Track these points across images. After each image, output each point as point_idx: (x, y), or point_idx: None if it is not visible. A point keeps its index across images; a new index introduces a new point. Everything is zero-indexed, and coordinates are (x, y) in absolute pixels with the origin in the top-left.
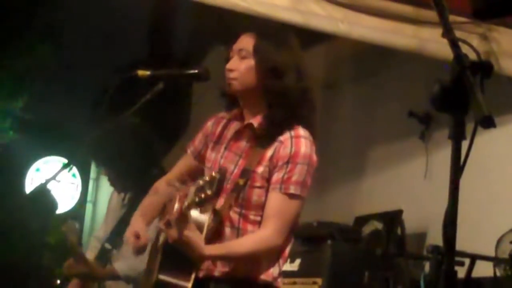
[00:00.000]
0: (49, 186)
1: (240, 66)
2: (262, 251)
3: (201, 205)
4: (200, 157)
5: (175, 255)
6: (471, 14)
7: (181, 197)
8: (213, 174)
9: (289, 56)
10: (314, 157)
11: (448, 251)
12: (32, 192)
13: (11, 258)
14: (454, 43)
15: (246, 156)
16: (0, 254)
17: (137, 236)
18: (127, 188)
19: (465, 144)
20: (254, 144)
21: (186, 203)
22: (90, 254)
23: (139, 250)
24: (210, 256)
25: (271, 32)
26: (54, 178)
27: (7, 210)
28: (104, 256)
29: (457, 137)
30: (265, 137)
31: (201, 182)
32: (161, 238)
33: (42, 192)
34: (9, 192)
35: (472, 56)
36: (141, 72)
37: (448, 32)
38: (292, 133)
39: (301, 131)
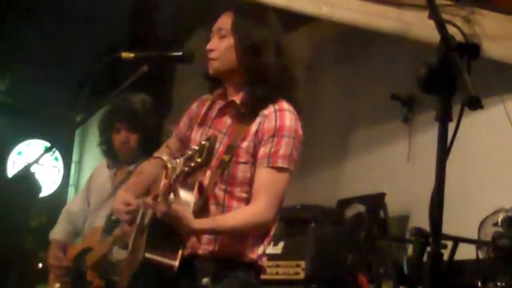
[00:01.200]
0: (32, 169)
1: (220, 46)
2: (253, 225)
3: (191, 174)
4: (185, 138)
5: (162, 233)
6: None
7: (168, 170)
8: (202, 142)
9: (268, 33)
10: (300, 131)
11: (434, 234)
12: (15, 175)
13: None
14: (440, 25)
15: (231, 133)
16: None
17: (127, 204)
18: (128, 160)
19: (450, 126)
20: (238, 120)
21: (174, 175)
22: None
23: (132, 216)
24: (200, 230)
25: (249, 10)
26: (37, 162)
27: None
28: (112, 227)
29: (443, 119)
30: (248, 113)
31: (189, 152)
32: (147, 216)
33: (25, 175)
34: None
35: (458, 38)
36: (124, 54)
37: (434, 14)
38: (276, 106)
39: (285, 105)
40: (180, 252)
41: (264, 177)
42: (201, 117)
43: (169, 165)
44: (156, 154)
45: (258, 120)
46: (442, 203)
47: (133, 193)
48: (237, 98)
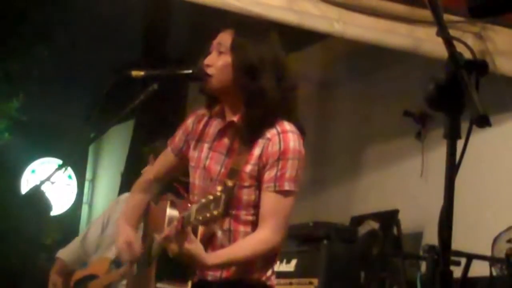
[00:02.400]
0: (43, 187)
1: (217, 62)
2: (264, 252)
3: (205, 224)
4: (181, 154)
5: (171, 263)
6: (466, 12)
7: (180, 212)
8: (218, 193)
9: (267, 53)
10: (303, 150)
11: (444, 251)
12: (26, 194)
13: (7, 260)
14: (449, 42)
15: (232, 155)
16: None
17: (130, 245)
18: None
19: (460, 143)
20: (239, 142)
21: (187, 220)
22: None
23: (134, 258)
24: (214, 265)
25: (250, 28)
26: (49, 180)
27: (3, 212)
28: (121, 263)
29: (452, 136)
30: (248, 134)
31: (204, 200)
32: (155, 247)
33: (36, 194)
34: (4, 194)
35: (467, 55)
36: (135, 73)
37: (442, 31)
38: (279, 128)
39: (287, 126)
40: (190, 281)
41: (271, 202)
42: (198, 133)
43: (175, 213)
44: (149, 172)
45: (261, 143)
46: (451, 220)
47: (133, 219)
48: (236, 119)
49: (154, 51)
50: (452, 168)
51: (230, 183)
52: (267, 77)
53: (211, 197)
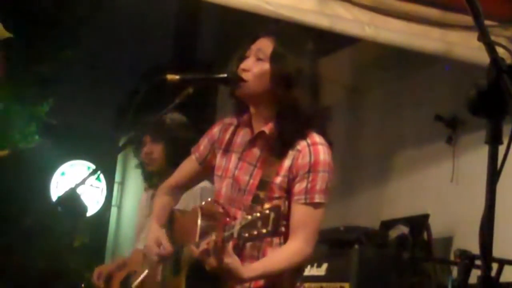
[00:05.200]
0: (78, 190)
1: (254, 68)
2: (298, 263)
3: (251, 241)
4: (205, 162)
5: (201, 277)
6: (498, 17)
7: (220, 226)
8: (266, 211)
9: (305, 66)
10: (332, 163)
11: (484, 257)
12: (61, 197)
13: (38, 261)
14: (490, 47)
15: (261, 166)
16: (29, 257)
17: (159, 244)
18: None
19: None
20: (268, 153)
21: (228, 235)
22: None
23: (162, 259)
24: (250, 279)
25: (291, 38)
26: (84, 183)
27: (34, 214)
28: None
29: (493, 142)
30: (279, 146)
31: (250, 217)
32: (185, 257)
33: (72, 197)
34: (35, 196)
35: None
36: (170, 77)
37: (484, 36)
38: (309, 141)
39: (317, 138)
40: None
41: (302, 213)
42: (225, 143)
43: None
44: (172, 178)
45: (291, 154)
46: (492, 227)
47: (163, 219)
48: (266, 129)
49: (184, 55)
50: (494, 173)
51: (261, 195)
52: (303, 90)
53: (258, 214)
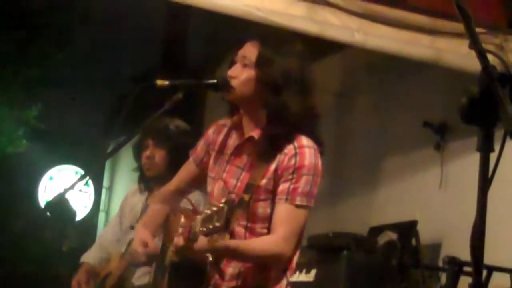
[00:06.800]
0: (67, 195)
1: (241, 75)
2: (270, 254)
3: (208, 235)
4: (202, 164)
5: (184, 275)
6: (487, 24)
7: (185, 226)
8: (221, 205)
9: (293, 69)
10: (319, 166)
11: (476, 265)
12: (50, 202)
13: (26, 267)
14: (482, 55)
15: (249, 169)
16: (17, 263)
17: (145, 245)
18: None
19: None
20: (256, 157)
21: (193, 230)
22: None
23: (150, 258)
24: (223, 248)
25: (276, 42)
26: (73, 188)
27: (22, 218)
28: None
29: (485, 150)
30: (267, 150)
31: (208, 211)
32: (167, 258)
33: (60, 202)
34: (22, 200)
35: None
36: (159, 82)
37: (475, 43)
38: (296, 144)
39: (304, 141)
40: None
41: (283, 212)
42: (218, 145)
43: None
44: (171, 183)
45: (278, 157)
46: (483, 234)
47: (151, 226)
48: (255, 134)
49: (172, 60)
50: (485, 181)
51: (246, 198)
52: (291, 93)
53: (214, 208)
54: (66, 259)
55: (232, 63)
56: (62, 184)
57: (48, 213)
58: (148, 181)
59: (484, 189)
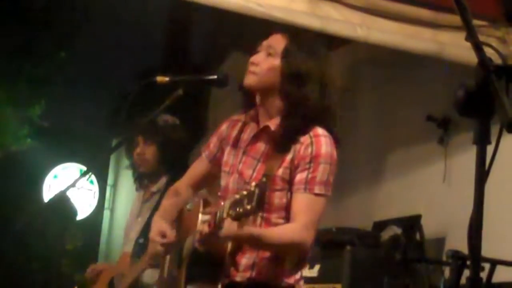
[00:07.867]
0: (68, 193)
1: (264, 63)
2: (291, 241)
3: (238, 219)
4: (215, 160)
5: (201, 266)
6: (489, 17)
7: (213, 211)
8: (252, 188)
9: (316, 66)
10: (335, 155)
11: (473, 258)
12: (51, 200)
13: (29, 265)
14: (478, 47)
15: (265, 160)
16: (19, 261)
17: (163, 235)
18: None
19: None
20: (273, 148)
21: (220, 215)
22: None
23: (168, 249)
24: (248, 236)
25: (303, 39)
26: (74, 186)
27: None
28: (140, 251)
29: (482, 142)
30: (283, 141)
31: (237, 196)
32: (186, 249)
33: (61, 200)
34: (27, 199)
35: (495, 59)
36: (160, 78)
37: (471, 36)
38: (311, 133)
39: (320, 130)
40: (220, 283)
41: (302, 201)
42: (232, 139)
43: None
44: (184, 179)
45: (293, 148)
46: (480, 227)
47: (168, 218)
48: (272, 124)
49: (175, 57)
50: (482, 174)
51: (264, 179)
52: (311, 88)
53: (245, 192)
54: (70, 257)
55: (255, 53)
56: (66, 182)
57: (48, 211)
58: (142, 178)
59: (481, 182)
